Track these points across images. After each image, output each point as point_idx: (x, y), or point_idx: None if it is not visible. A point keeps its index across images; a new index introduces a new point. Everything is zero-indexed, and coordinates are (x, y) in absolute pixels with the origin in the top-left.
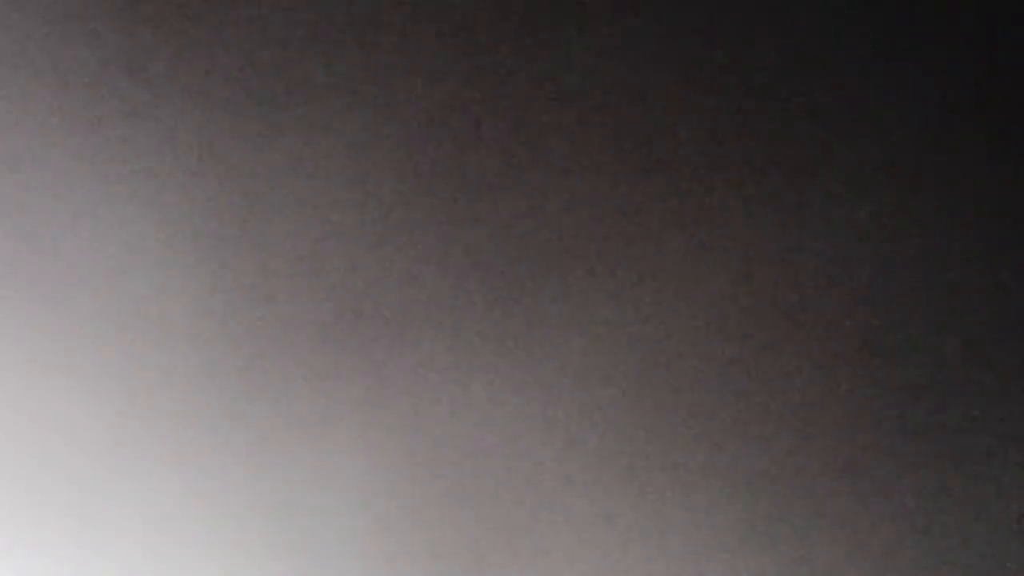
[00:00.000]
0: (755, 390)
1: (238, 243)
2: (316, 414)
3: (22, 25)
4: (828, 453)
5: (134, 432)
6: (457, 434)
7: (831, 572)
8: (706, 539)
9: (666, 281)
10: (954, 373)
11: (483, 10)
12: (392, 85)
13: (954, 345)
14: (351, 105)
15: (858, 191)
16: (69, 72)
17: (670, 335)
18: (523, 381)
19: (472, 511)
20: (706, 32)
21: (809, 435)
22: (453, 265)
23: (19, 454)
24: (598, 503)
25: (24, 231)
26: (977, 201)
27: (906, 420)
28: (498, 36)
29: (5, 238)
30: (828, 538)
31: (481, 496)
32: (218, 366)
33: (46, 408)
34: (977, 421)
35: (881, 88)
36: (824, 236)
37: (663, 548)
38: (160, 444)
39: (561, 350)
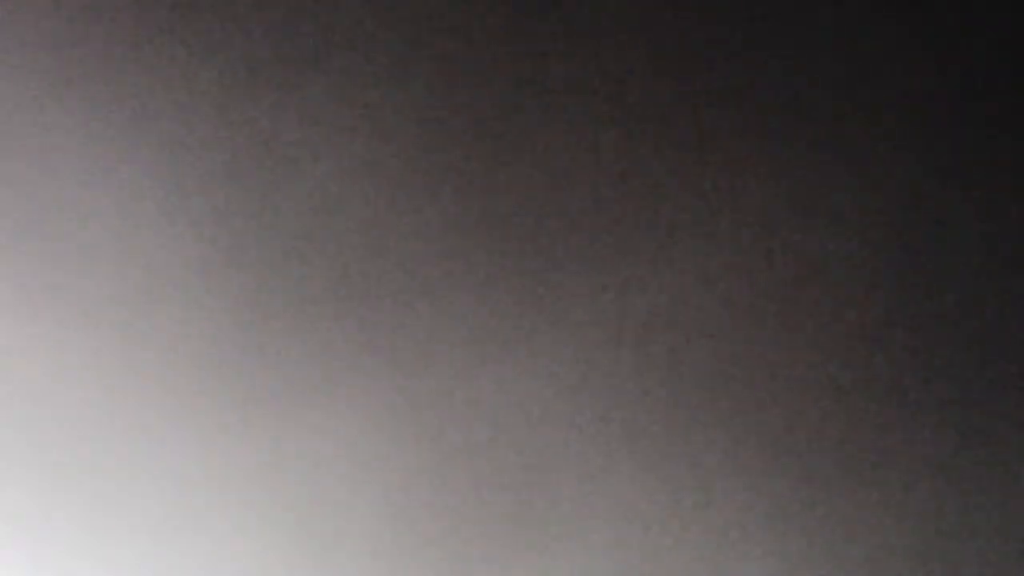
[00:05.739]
0: (774, 371)
1: (250, 209)
2: (325, 385)
3: None
4: (846, 431)
5: (136, 402)
6: (469, 410)
7: (846, 550)
8: (723, 522)
9: (686, 260)
10: (973, 354)
11: None
12: (411, 51)
13: (973, 324)
14: (367, 71)
15: (872, 171)
16: (79, 32)
17: (689, 314)
18: (538, 355)
19: (482, 486)
20: (720, 12)
21: (827, 416)
22: (470, 236)
23: (17, 423)
24: (613, 483)
25: (28, 194)
26: (990, 182)
27: (923, 399)
28: (521, 9)
29: (8, 203)
30: (842, 518)
31: (492, 471)
32: (226, 335)
33: (47, 376)
34: (995, 402)
35: (896, 71)
36: (838, 215)
37: (679, 526)
38: (164, 416)
39: (578, 327)
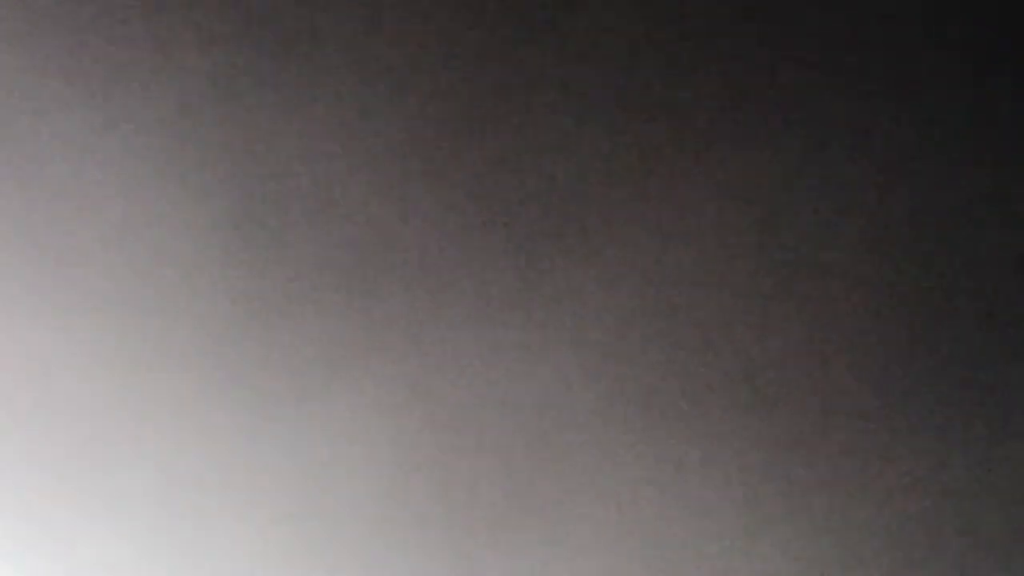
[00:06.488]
0: (777, 363)
1: (255, 205)
2: (333, 362)
3: None
4: (850, 421)
5: (143, 395)
6: (472, 402)
7: (851, 544)
8: (725, 514)
9: (692, 252)
10: (975, 346)
11: None
12: (410, 46)
13: (975, 317)
14: (370, 45)
15: (874, 163)
16: (85, 31)
17: (694, 306)
18: (542, 346)
19: (487, 476)
20: (722, 4)
21: (830, 405)
22: (475, 229)
23: (20, 419)
24: (624, 454)
25: (30, 192)
26: (993, 174)
27: (924, 395)
28: (519, 2)
29: (11, 201)
30: (847, 512)
31: (495, 461)
32: (232, 329)
33: (52, 372)
34: (998, 400)
35: (900, 65)
36: (839, 206)
37: (690, 502)
38: (171, 409)
39: (583, 317)
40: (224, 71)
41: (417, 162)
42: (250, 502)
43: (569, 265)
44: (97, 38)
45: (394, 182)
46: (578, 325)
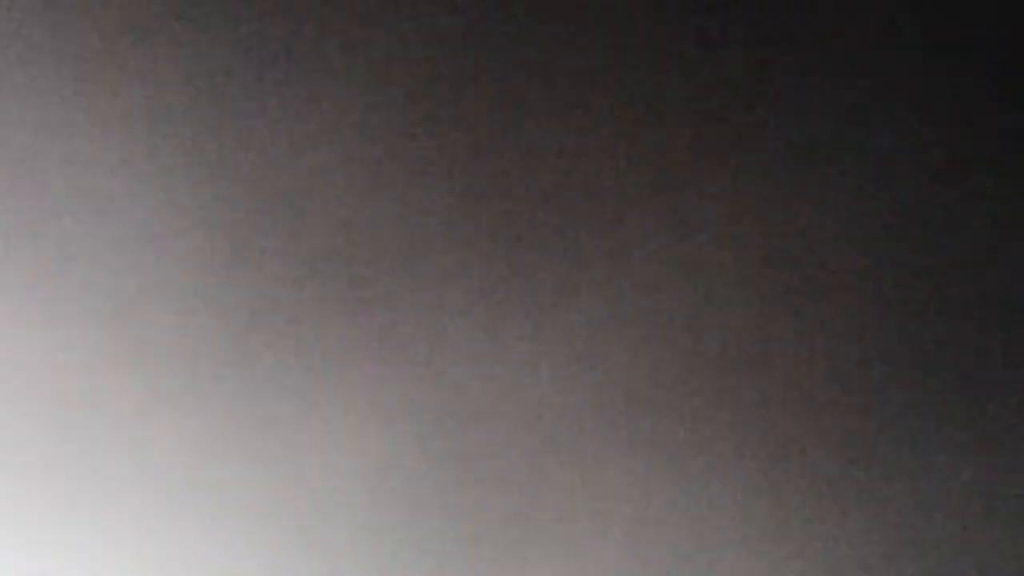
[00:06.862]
0: (777, 369)
1: (247, 191)
2: (324, 368)
3: None
4: (847, 429)
5: (134, 383)
6: (472, 409)
7: (847, 549)
8: (727, 522)
9: (689, 258)
10: (976, 353)
11: None
12: (403, 25)
13: (976, 324)
14: (360, 42)
15: (875, 172)
16: (82, 34)
17: (692, 312)
18: (541, 354)
19: (486, 465)
20: (726, 12)
21: (829, 413)
22: (470, 216)
23: (18, 419)
24: (620, 458)
25: (18, 162)
26: (990, 181)
27: (925, 399)
28: (523, 4)
29: (9, 201)
30: (844, 517)
31: (494, 469)
32: (223, 318)
33: (51, 372)
34: (999, 402)
35: (898, 71)
36: (842, 213)
37: (690, 506)
38: (162, 400)
39: (580, 303)
40: (214, 76)
41: (409, 168)
42: (242, 508)
43: (563, 270)
44: (91, 40)
45: (387, 188)
46: (572, 329)
